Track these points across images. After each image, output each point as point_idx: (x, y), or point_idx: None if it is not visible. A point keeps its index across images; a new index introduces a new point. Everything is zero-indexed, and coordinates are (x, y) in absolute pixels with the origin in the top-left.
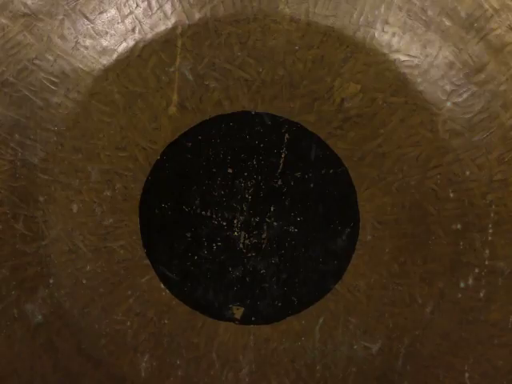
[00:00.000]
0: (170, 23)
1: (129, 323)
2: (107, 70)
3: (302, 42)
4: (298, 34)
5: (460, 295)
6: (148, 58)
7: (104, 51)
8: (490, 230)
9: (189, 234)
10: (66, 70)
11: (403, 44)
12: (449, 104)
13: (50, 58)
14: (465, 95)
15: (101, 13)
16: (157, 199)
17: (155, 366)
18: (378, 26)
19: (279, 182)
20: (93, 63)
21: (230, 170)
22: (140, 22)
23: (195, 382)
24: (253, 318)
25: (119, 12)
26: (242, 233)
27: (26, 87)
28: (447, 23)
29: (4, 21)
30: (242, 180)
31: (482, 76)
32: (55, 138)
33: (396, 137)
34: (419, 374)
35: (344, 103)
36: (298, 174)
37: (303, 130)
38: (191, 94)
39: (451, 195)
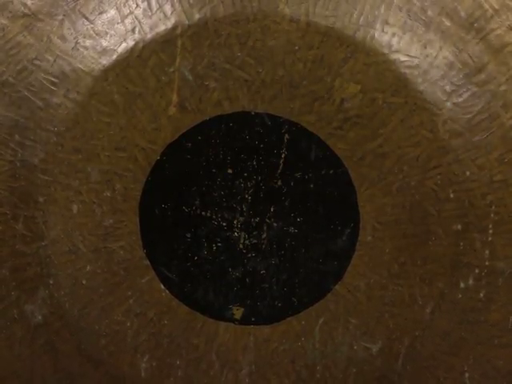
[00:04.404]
0: (169, 23)
1: (129, 324)
2: (107, 70)
3: (302, 42)
4: (297, 34)
5: (460, 295)
6: (148, 59)
7: (104, 51)
8: (490, 231)
9: (189, 235)
10: (65, 70)
11: (403, 44)
12: (449, 104)
13: (50, 58)
14: (465, 95)
15: (100, 13)
16: (157, 200)
17: (155, 366)
18: (378, 26)
19: (279, 183)
20: (92, 63)
21: (229, 171)
22: (140, 22)
23: (195, 382)
24: (253, 319)
25: (119, 12)
26: (242, 233)
27: (26, 87)
28: (447, 23)
29: (4, 21)
30: (241, 180)
31: (482, 76)
32: (55, 139)
33: (396, 137)
34: (419, 375)
35: (344, 103)
36: (298, 175)
37: (303, 131)
38: (191, 94)
39: (451, 195)
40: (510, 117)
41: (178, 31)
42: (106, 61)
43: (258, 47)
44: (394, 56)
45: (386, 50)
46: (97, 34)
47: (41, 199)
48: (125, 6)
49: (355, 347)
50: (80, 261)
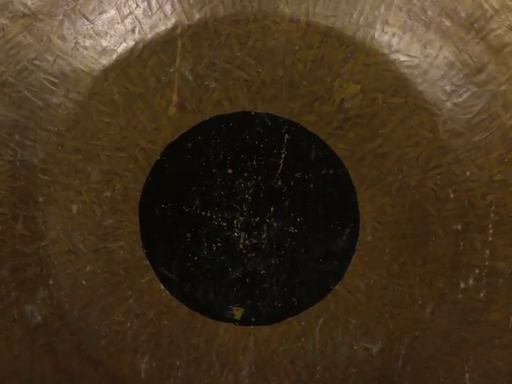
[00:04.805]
0: (169, 23)
1: (128, 324)
2: (107, 70)
3: (302, 42)
4: (297, 34)
5: (460, 296)
6: (148, 59)
7: (104, 51)
8: (491, 231)
9: (189, 235)
10: (65, 70)
11: (403, 44)
12: (449, 104)
13: (50, 58)
14: (465, 95)
15: (100, 13)
16: (157, 200)
17: (155, 366)
18: (378, 26)
19: (279, 183)
20: (92, 63)
21: (229, 171)
22: (140, 22)
23: (195, 383)
24: (253, 319)
25: (119, 12)
26: (242, 233)
27: (26, 88)
28: (447, 23)
29: (4, 21)
30: (241, 180)
31: (482, 76)
32: (55, 139)
33: (396, 137)
34: (419, 375)
35: (344, 103)
36: (298, 175)
37: (303, 131)
38: (191, 94)
39: (451, 195)
40: (510, 117)
41: (178, 31)
42: (105, 61)
43: (258, 47)
44: (394, 56)
45: (385, 50)
46: (97, 34)
47: (41, 199)
48: (125, 5)
49: (355, 347)
50: (80, 261)
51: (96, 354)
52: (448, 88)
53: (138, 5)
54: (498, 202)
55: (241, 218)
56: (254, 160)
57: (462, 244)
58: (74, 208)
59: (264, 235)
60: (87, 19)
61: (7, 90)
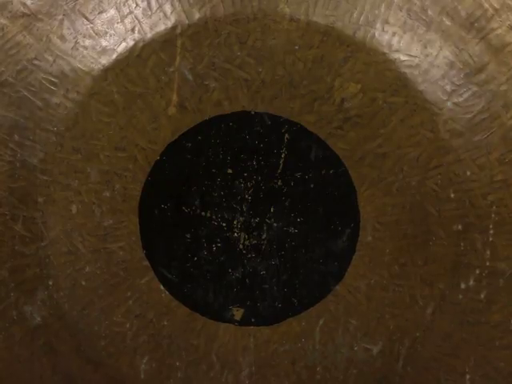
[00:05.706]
0: (169, 23)
1: (128, 325)
2: (107, 70)
3: (302, 41)
4: (297, 33)
5: (461, 296)
6: (147, 58)
7: (103, 51)
8: (491, 231)
9: (188, 235)
10: (65, 70)
11: (403, 44)
12: (449, 104)
13: (50, 58)
14: (465, 95)
15: (100, 13)
16: (156, 200)
17: (155, 367)
18: (379, 25)
19: (279, 183)
20: (92, 63)
21: (229, 171)
22: (139, 21)
23: (195, 383)
24: (253, 320)
25: (118, 12)
26: (242, 234)
27: (25, 87)
28: (447, 23)
29: (3, 21)
30: (241, 180)
31: (483, 76)
32: (54, 139)
33: (396, 137)
34: (420, 376)
35: (344, 103)
36: (298, 175)
37: (303, 130)
38: (191, 94)
39: (452, 196)
40: (511, 117)
41: (178, 31)
42: (105, 60)
43: (257, 47)
44: (395, 55)
45: (386, 50)
46: (96, 34)
47: (40, 199)
48: (124, 5)
49: (355, 348)
50: (79, 261)
51: (95, 354)
52: (448, 88)
53: (137, 4)
54: (499, 202)
55: (241, 219)
56: (253, 160)
57: (462, 244)
58: (74, 208)
59: (264, 235)
60: (87, 19)
61: (6, 90)
